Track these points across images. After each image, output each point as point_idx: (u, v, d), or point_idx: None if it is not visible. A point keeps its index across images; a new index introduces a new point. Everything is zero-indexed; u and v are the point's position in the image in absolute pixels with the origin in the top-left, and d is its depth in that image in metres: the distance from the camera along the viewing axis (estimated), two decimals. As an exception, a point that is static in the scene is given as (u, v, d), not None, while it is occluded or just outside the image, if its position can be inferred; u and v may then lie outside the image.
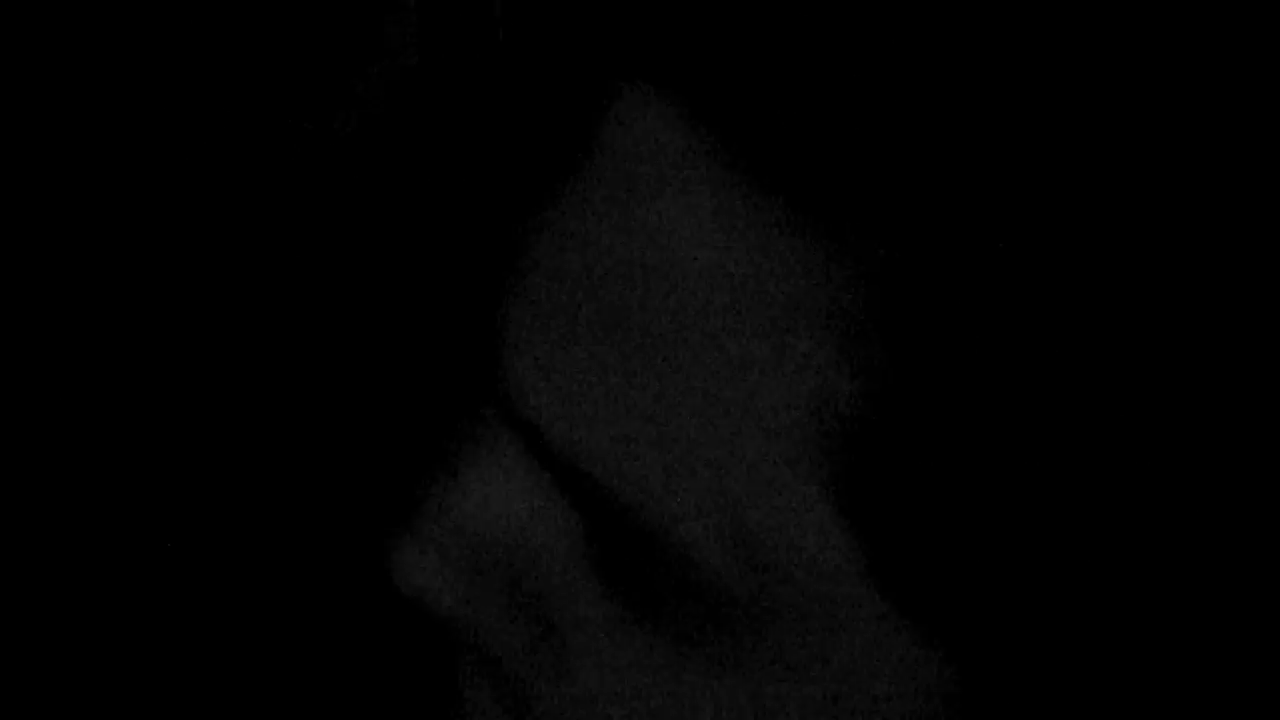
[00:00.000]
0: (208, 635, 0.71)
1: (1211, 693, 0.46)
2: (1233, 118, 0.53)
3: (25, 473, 1.05)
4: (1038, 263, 0.41)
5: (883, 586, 0.40)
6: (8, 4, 0.84)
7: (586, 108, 0.41)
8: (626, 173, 0.40)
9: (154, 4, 0.83)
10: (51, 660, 1.03)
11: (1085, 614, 0.42)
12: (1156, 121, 0.50)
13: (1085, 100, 0.49)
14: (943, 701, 0.40)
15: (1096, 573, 0.41)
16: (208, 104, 0.82)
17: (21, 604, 1.06)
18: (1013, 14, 0.44)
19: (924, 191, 0.40)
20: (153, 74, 0.87)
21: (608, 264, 0.40)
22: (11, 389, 1.08)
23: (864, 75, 0.41)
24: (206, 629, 0.72)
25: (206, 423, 0.72)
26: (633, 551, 0.40)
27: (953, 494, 0.39)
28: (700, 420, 0.39)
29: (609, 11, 0.43)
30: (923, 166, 0.40)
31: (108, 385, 1.02)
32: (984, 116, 0.42)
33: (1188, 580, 0.45)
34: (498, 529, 0.41)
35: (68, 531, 1.04)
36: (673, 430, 0.39)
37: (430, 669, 0.45)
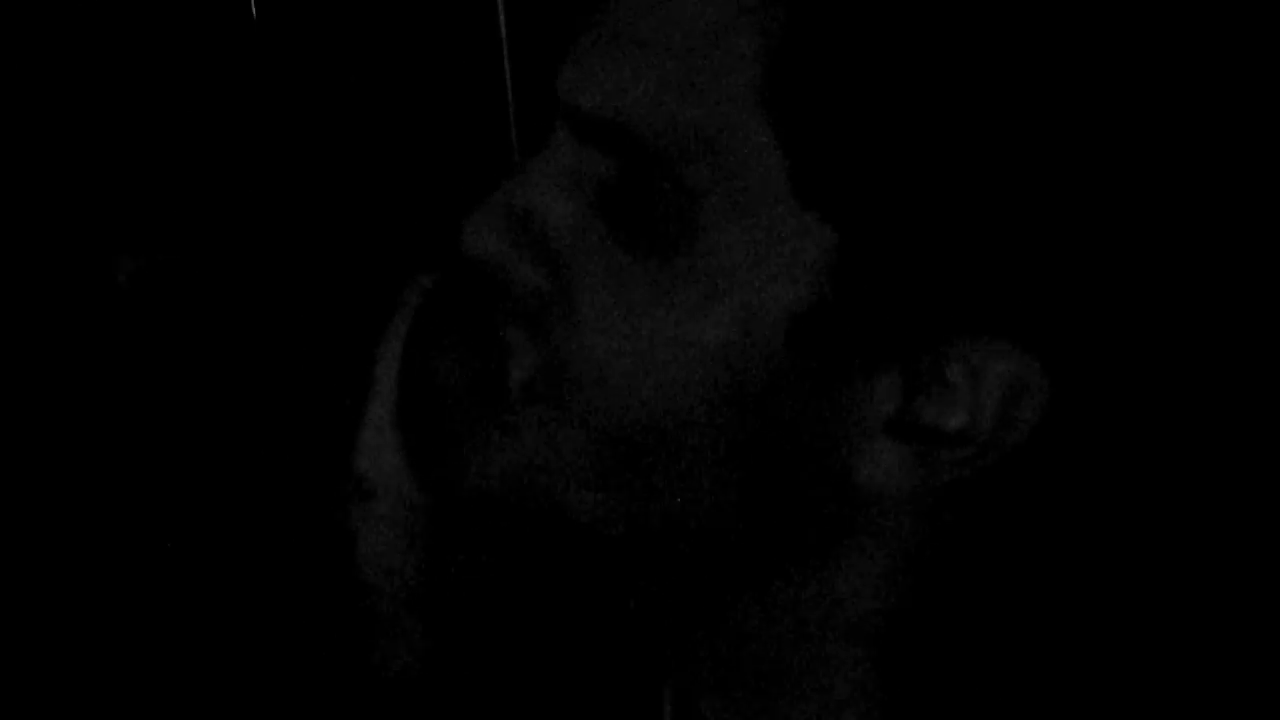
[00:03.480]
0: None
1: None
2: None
3: (25, 472, 1.04)
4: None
5: (793, 184, 0.54)
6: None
7: None
8: None
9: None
10: (51, 657, 1.02)
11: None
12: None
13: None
14: (825, 273, 0.54)
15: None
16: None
17: (21, 604, 1.05)
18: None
19: None
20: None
21: None
22: (11, 389, 1.08)
23: None
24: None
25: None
26: (629, 193, 0.56)
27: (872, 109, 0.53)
28: (678, 65, 0.55)
29: None
30: None
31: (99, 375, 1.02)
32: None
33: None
34: (537, 202, 0.57)
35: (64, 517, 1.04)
36: (659, 78, 0.55)
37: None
